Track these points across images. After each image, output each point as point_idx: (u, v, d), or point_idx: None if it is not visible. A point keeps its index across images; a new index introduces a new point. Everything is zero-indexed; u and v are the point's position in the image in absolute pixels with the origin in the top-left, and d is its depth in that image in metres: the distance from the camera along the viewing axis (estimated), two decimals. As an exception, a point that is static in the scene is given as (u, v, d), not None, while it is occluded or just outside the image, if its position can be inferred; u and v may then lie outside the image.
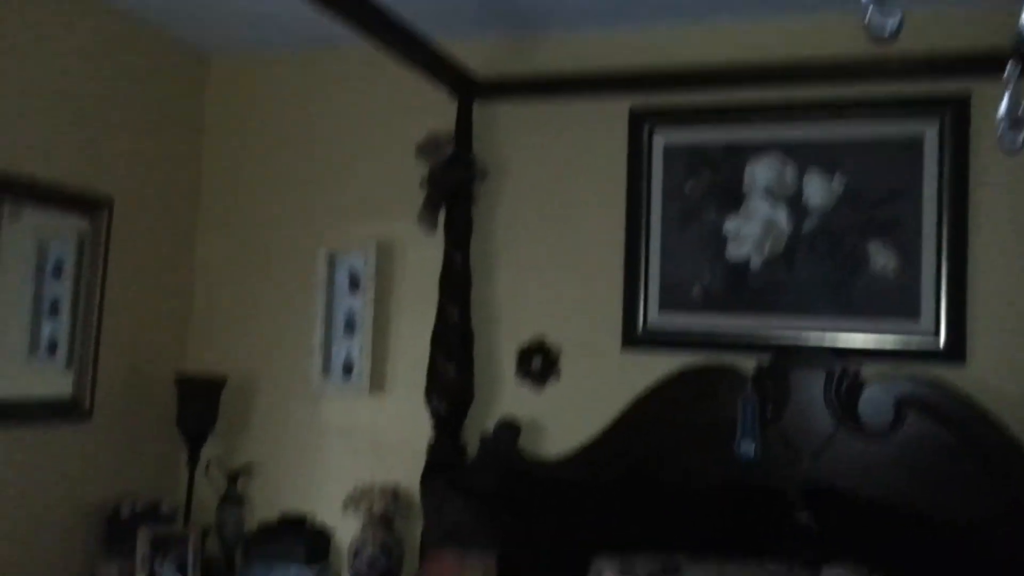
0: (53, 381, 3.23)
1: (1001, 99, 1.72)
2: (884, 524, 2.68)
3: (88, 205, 3.29)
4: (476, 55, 3.36)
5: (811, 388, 2.94)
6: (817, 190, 3.08)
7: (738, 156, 3.17)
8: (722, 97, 3.21)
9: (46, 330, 3.22)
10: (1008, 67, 1.69)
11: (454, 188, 3.29)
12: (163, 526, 3.32)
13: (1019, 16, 1.40)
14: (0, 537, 3.00)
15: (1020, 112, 1.66)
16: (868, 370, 2.91)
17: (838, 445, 2.89)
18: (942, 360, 2.92)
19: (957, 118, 2.96)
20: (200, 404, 3.52)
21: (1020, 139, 1.67)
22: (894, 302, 2.99)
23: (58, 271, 3.26)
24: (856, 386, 2.90)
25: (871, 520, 2.70)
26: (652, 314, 3.23)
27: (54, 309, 3.24)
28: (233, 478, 3.52)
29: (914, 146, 3.00)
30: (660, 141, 3.26)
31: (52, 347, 3.24)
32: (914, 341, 2.96)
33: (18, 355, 3.15)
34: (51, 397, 3.20)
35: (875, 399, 2.89)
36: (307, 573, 3.29)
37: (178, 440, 3.59)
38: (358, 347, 3.52)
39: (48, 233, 3.22)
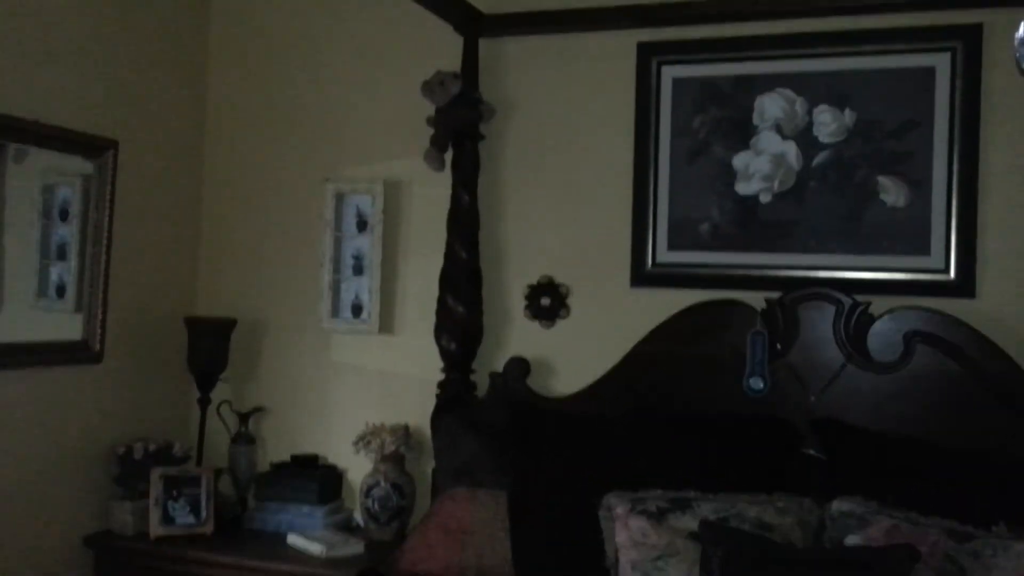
0: (62, 324, 3.23)
1: (1018, 23, 1.69)
2: (894, 456, 2.69)
3: (93, 147, 3.26)
4: (481, -10, 3.32)
5: (820, 323, 2.94)
6: (827, 124, 3.05)
7: (747, 90, 3.13)
8: (731, 30, 3.16)
9: (54, 273, 3.22)
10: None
11: (461, 126, 3.26)
12: (176, 467, 3.35)
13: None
14: (14, 480, 3.02)
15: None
16: (877, 305, 2.91)
17: (847, 379, 2.90)
18: (952, 294, 2.91)
19: (969, 49, 2.91)
20: (210, 345, 3.53)
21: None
22: (904, 236, 2.97)
23: (64, 214, 3.25)
24: (865, 321, 2.90)
25: (881, 453, 2.71)
26: (661, 251, 3.22)
27: (61, 253, 3.24)
28: (244, 419, 3.55)
29: (925, 78, 2.96)
30: (668, 75, 3.21)
31: (60, 290, 3.24)
32: (924, 276, 2.95)
33: (27, 299, 3.16)
34: (61, 340, 3.21)
35: (884, 333, 2.88)
36: (319, 512, 3.33)
37: (189, 382, 3.62)
38: (367, 287, 3.51)
39: (53, 176, 3.21)
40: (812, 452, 2.85)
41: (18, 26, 3.00)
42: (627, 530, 2.54)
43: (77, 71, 3.21)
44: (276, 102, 3.73)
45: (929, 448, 2.69)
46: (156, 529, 3.22)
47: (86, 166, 3.26)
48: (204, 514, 3.29)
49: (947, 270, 2.93)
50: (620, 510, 2.59)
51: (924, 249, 2.95)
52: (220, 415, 3.56)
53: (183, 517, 3.26)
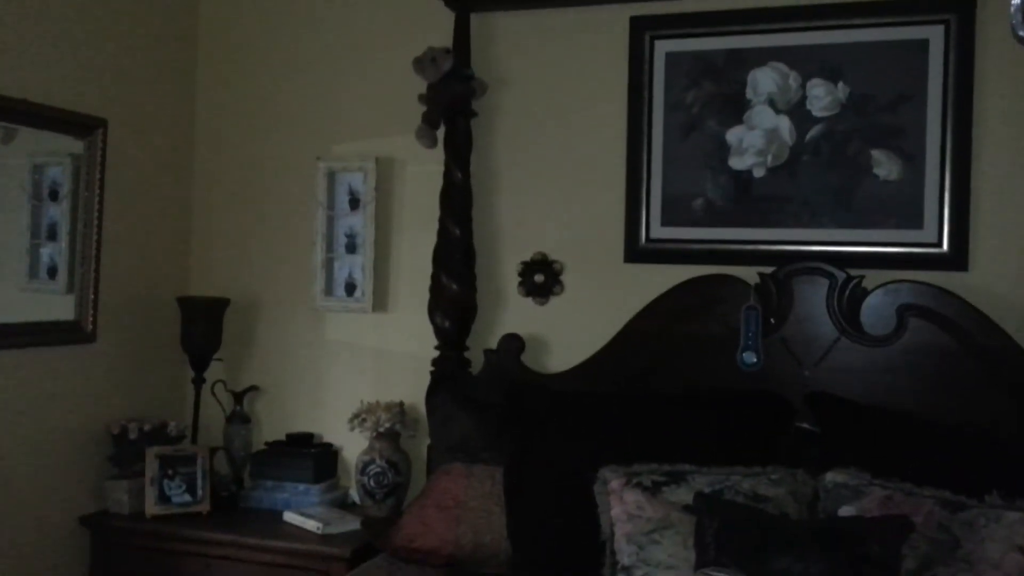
0: (54, 305, 3.22)
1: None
2: (887, 429, 2.70)
3: (82, 126, 3.24)
4: (472, -35, 3.30)
5: (814, 297, 2.94)
6: (820, 98, 3.04)
7: (740, 64, 3.12)
8: (724, 3, 3.15)
9: (45, 254, 3.21)
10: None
11: (453, 103, 3.25)
12: (171, 446, 3.35)
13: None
14: (9, 460, 3.02)
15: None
16: (871, 278, 2.91)
17: (840, 353, 2.91)
18: (945, 268, 2.92)
19: (962, 21, 2.91)
20: (204, 325, 3.52)
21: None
22: (897, 210, 2.98)
23: (54, 195, 3.23)
24: (859, 294, 2.90)
25: (874, 425, 2.72)
26: (654, 227, 3.21)
27: (52, 233, 3.22)
28: (239, 398, 3.54)
29: (919, 51, 2.95)
30: (661, 50, 3.20)
31: (52, 271, 3.23)
32: (917, 249, 2.96)
33: (18, 279, 3.14)
34: (53, 321, 3.20)
35: (877, 307, 2.89)
36: (315, 490, 3.33)
37: (183, 361, 3.61)
38: (360, 265, 3.51)
39: (43, 157, 3.19)
40: (806, 426, 2.86)
41: (5, 4, 2.97)
42: (622, 503, 2.54)
43: (66, 49, 3.19)
44: (267, 80, 3.71)
45: (922, 420, 2.70)
46: (152, 508, 3.23)
47: (76, 145, 3.24)
48: (200, 493, 3.29)
49: (940, 243, 2.93)
50: (615, 484, 2.60)
51: (917, 223, 2.96)
52: (214, 394, 3.56)
53: (179, 496, 3.27)
